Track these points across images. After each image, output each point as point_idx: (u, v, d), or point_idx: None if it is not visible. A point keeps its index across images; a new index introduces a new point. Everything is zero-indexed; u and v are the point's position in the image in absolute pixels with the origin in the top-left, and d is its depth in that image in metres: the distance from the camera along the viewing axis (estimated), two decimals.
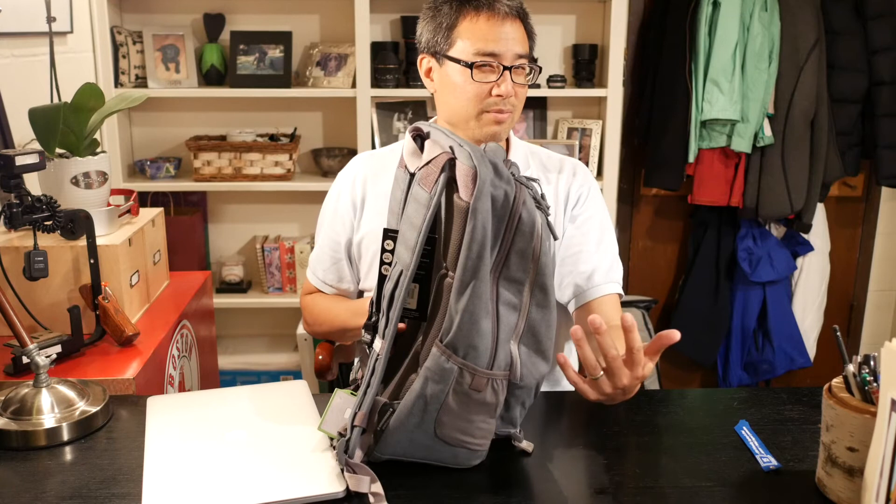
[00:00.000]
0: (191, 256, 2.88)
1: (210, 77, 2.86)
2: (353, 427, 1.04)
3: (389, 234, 1.09)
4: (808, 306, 3.08)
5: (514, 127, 1.53)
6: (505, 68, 1.40)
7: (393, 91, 2.80)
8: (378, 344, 1.06)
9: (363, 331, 1.12)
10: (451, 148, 1.06)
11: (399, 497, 1.01)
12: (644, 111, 2.96)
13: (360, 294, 1.62)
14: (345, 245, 1.58)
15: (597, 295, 1.47)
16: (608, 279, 1.48)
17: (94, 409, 1.23)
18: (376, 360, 1.05)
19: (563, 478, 1.08)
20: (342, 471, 1.03)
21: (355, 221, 1.57)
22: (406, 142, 1.15)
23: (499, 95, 1.40)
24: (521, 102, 1.47)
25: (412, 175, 1.11)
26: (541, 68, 1.47)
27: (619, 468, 1.09)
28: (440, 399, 1.01)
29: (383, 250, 1.10)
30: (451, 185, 1.04)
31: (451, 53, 1.43)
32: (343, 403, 1.12)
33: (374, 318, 1.10)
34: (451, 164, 1.04)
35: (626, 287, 1.53)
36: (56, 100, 2.12)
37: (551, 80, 2.86)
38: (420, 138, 1.14)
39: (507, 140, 1.56)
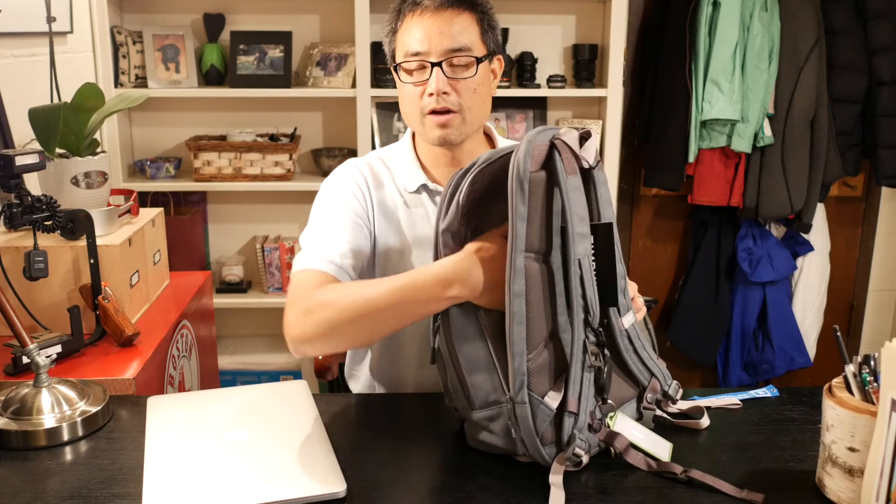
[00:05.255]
0: (191, 256, 2.88)
1: (210, 77, 2.86)
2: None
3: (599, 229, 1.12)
4: (808, 306, 3.08)
5: (485, 127, 1.45)
6: (433, 65, 1.34)
7: (393, 91, 2.79)
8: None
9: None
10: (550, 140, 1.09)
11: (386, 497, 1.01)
12: (644, 111, 2.96)
13: None
14: (368, 218, 1.42)
15: None
16: None
17: (94, 409, 1.23)
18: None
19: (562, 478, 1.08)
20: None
21: (371, 214, 1.44)
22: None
23: (430, 94, 1.35)
24: (473, 98, 1.36)
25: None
26: (478, 58, 1.35)
27: (619, 468, 1.09)
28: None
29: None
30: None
31: (396, 60, 1.41)
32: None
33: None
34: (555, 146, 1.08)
35: None
36: (56, 100, 2.12)
37: (551, 80, 2.86)
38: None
39: (492, 139, 1.50)
